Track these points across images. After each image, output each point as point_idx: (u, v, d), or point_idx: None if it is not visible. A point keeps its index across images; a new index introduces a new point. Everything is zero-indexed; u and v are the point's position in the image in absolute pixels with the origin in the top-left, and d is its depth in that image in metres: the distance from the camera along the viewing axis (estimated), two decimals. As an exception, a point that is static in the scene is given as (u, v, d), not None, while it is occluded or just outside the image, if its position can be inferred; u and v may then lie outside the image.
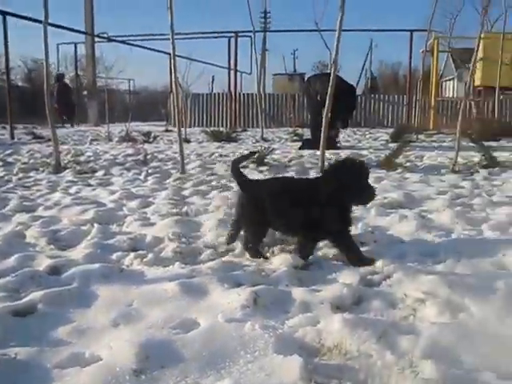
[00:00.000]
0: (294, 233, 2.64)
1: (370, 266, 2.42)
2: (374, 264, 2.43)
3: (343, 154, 7.14)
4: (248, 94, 17.66)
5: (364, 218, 3.40)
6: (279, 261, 2.52)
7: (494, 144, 8.86)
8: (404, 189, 4.53)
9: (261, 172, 5.56)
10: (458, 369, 1.58)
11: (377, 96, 17.95)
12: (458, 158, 5.75)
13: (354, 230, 2.90)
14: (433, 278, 2.19)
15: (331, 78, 5.45)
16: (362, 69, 42.42)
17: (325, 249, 2.70)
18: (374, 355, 1.66)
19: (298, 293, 2.14)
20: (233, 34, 15.47)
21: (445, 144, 9.19)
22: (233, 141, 9.98)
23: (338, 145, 8.56)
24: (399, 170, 5.69)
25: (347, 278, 2.32)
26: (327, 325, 1.83)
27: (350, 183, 2.43)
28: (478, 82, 13.46)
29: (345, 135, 11.51)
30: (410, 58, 13.54)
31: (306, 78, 9.04)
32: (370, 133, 12.59)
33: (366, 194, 2.53)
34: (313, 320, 1.90)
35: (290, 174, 5.37)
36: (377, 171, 5.60)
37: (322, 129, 5.46)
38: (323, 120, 5.43)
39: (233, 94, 16.71)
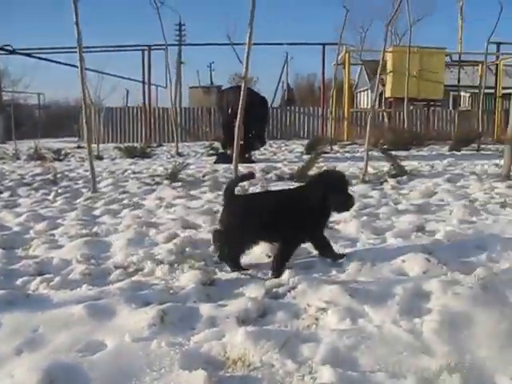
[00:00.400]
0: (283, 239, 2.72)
1: (342, 259, 2.73)
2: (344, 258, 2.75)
3: (258, 167, 7.25)
4: (164, 108, 17.52)
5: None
6: (188, 278, 2.55)
7: (404, 153, 9.35)
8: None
9: (174, 188, 5.53)
10: (354, 371, 1.69)
11: (292, 108, 18.42)
12: (367, 168, 6.01)
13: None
14: (335, 287, 2.29)
15: (242, 91, 5.53)
16: (279, 81, 43.19)
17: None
18: (275, 364, 1.74)
19: (206, 309, 2.18)
20: (146, 47, 15.28)
21: (357, 154, 9.51)
22: (147, 157, 9.87)
23: (253, 158, 8.69)
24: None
25: (253, 291, 2.38)
26: (232, 338, 1.90)
27: (334, 192, 2.65)
28: (388, 94, 14.10)
29: (261, 148, 11.71)
30: (323, 70, 14.05)
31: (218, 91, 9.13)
32: (286, 145, 12.85)
33: (347, 202, 2.75)
34: (218, 334, 1.95)
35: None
36: (288, 184, 5.74)
37: (235, 142, 5.54)
38: (235, 133, 5.51)
39: (148, 108, 16.47)
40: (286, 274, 2.53)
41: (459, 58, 14.73)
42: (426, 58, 13.28)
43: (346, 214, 3.90)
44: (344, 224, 3.67)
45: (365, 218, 3.85)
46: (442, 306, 2.10)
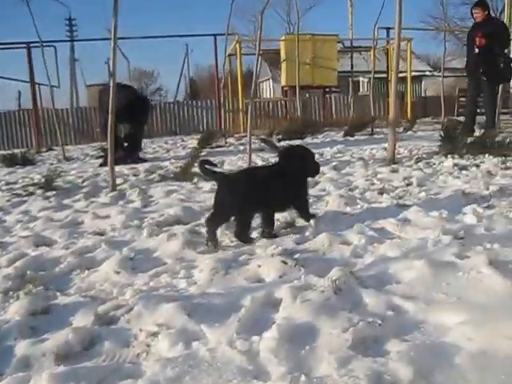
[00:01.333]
0: (272, 206, 3.13)
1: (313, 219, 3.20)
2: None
3: (142, 167, 6.91)
4: (58, 110, 16.61)
5: (134, 241, 3.22)
6: (17, 307, 2.23)
7: (297, 142, 9.28)
8: (192, 201, 4.43)
9: (47, 198, 5.09)
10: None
11: (190, 102, 18.12)
12: (250, 161, 5.83)
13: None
14: (173, 305, 2.05)
15: (111, 89, 5.21)
16: (181, 74, 42.65)
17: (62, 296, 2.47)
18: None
19: (22, 346, 1.88)
20: (25, 45, 14.22)
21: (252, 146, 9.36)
22: (30, 163, 9.17)
23: (142, 157, 8.31)
24: (195, 180, 5.59)
25: (82, 319, 2.10)
26: (36, 383, 1.62)
27: (305, 162, 3.21)
28: (283, 83, 14.07)
29: (156, 146, 11.32)
30: (216, 61, 13.82)
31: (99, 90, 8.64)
32: (183, 141, 12.49)
33: (316, 168, 3.36)
34: (24, 380, 1.66)
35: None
36: (170, 184, 5.47)
37: (108, 142, 5.22)
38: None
39: (37, 109, 15.45)
40: (128, 293, 2.27)
41: (351, 44, 14.98)
42: (319, 45, 13.37)
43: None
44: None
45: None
46: (285, 318, 1.91)
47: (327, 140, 9.40)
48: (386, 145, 7.47)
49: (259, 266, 2.48)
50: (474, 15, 8.80)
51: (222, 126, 13.72)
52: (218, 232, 3.04)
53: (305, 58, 13.15)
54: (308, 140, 9.38)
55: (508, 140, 5.84)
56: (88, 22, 79.54)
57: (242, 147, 9.34)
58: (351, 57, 14.61)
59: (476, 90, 8.88)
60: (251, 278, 2.40)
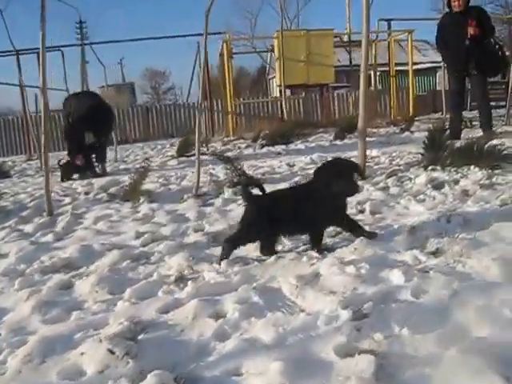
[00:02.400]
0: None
1: (374, 238, 2.85)
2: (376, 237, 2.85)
3: (98, 184, 6.31)
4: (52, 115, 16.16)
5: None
6: None
7: (281, 147, 8.60)
8: (110, 232, 3.86)
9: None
10: None
11: (186, 103, 17.52)
12: (199, 177, 5.18)
13: None
14: None
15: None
16: (192, 73, 42.08)
17: None
18: None
19: None
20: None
21: (233, 153, 8.68)
22: (4, 176, 8.68)
23: (102, 169, 7.67)
24: (140, 201, 4.98)
25: None
26: None
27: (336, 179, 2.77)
28: (278, 82, 13.36)
29: (141, 153, 10.76)
30: (206, 60, 13.21)
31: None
32: (173, 145, 11.86)
33: (349, 188, 2.86)
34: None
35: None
36: (110, 206, 4.88)
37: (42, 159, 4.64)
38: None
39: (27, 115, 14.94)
40: None
41: (349, 38, 14.17)
42: (314, 41, 12.59)
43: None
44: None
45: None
46: None
47: (313, 145, 8.69)
48: (370, 151, 6.83)
49: (82, 353, 1.84)
50: (454, 3, 7.95)
51: (208, 129, 13.03)
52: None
53: (299, 55, 12.45)
54: (292, 146, 8.68)
55: (499, 147, 5.09)
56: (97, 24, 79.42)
57: (229, 154, 8.65)
58: (350, 52, 13.79)
59: (461, 85, 8.02)
60: (67, 373, 1.77)
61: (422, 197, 3.97)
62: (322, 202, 2.77)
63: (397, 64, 14.05)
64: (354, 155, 6.60)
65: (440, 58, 9.92)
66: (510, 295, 1.93)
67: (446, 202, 3.72)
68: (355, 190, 2.91)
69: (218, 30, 13.58)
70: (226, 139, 11.29)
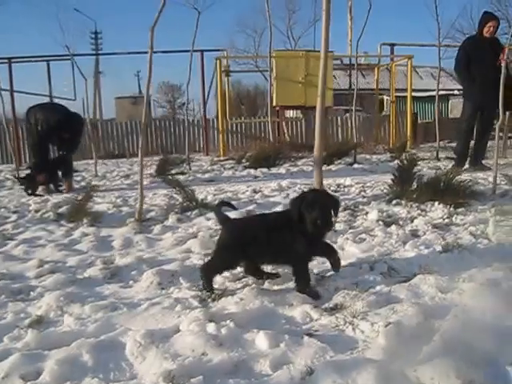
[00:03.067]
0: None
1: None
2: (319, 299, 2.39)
3: (54, 200, 6.03)
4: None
5: None
6: None
7: (262, 170, 8.25)
8: (27, 257, 3.58)
9: None
10: None
11: (183, 119, 17.28)
12: (143, 201, 4.84)
13: None
14: None
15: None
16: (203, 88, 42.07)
17: None
18: None
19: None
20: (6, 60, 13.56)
21: (205, 176, 8.32)
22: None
23: (73, 185, 7.40)
24: (84, 222, 4.69)
25: None
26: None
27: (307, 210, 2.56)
28: (274, 102, 13.05)
29: (125, 169, 10.47)
30: (203, 77, 13.06)
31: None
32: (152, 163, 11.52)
33: (317, 221, 2.53)
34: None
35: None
36: (47, 228, 4.59)
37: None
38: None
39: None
40: None
41: (350, 60, 13.82)
42: (313, 62, 12.25)
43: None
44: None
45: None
46: None
47: (295, 170, 8.34)
48: (344, 179, 6.50)
49: None
50: (489, 29, 7.57)
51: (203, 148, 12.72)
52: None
53: (297, 76, 12.13)
54: (274, 169, 8.33)
55: (466, 183, 4.73)
56: (114, 34, 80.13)
57: (207, 175, 8.34)
58: (350, 74, 13.44)
59: (475, 116, 7.60)
60: None
61: (363, 236, 3.62)
62: (294, 233, 2.58)
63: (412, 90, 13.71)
64: (328, 183, 6.31)
65: (454, 85, 9.39)
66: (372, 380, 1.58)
67: (385, 244, 3.36)
68: (328, 226, 2.66)
69: (222, 48, 13.46)
70: (215, 159, 10.97)
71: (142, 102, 19.00)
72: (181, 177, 8.12)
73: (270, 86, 12.24)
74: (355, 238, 3.56)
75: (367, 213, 4.37)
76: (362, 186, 6.00)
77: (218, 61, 11.98)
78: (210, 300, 2.44)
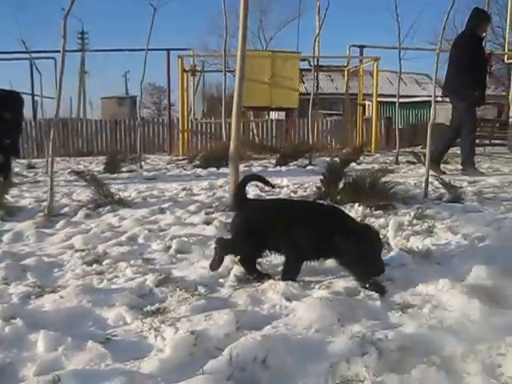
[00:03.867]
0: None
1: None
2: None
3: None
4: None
5: None
6: None
7: (210, 170, 8.10)
8: None
9: None
10: None
11: (152, 119, 17.12)
12: (53, 196, 4.62)
13: None
14: None
15: None
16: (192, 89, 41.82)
17: None
18: None
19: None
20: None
21: (150, 174, 8.11)
22: None
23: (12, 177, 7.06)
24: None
25: None
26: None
27: None
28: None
29: (81, 166, 10.25)
30: (168, 77, 12.87)
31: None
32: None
33: None
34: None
35: None
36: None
37: None
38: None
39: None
40: None
41: (317, 62, 13.64)
42: (279, 63, 12.11)
43: None
44: None
45: None
46: None
47: (245, 169, 8.14)
48: (281, 180, 6.33)
49: None
50: (485, 28, 7.56)
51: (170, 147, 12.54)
52: None
53: (263, 76, 11.97)
54: (223, 169, 8.12)
55: (391, 185, 4.55)
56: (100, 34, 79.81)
57: (152, 173, 8.15)
58: (316, 76, 13.28)
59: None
60: None
61: None
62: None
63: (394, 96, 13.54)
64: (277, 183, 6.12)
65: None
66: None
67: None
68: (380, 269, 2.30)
69: (193, 47, 13.30)
70: (174, 158, 10.80)
71: (127, 102, 19.22)
72: (126, 174, 7.97)
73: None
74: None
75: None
76: (298, 187, 5.82)
77: (180, 59, 11.81)
78: (33, 297, 2.22)
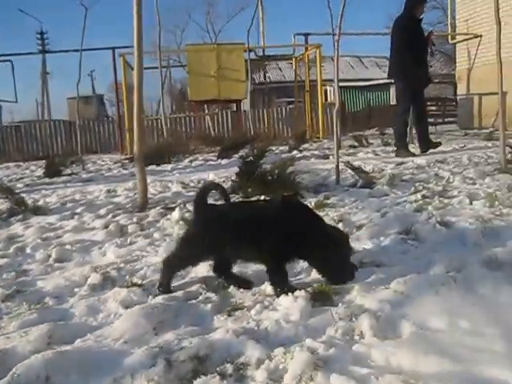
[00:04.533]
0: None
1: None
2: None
3: None
4: None
5: None
6: None
7: (151, 168, 8.01)
8: None
9: None
10: None
11: (109, 118, 16.99)
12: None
13: None
14: None
15: None
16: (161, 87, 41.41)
17: None
18: None
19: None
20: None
21: (89, 176, 8.02)
22: None
23: None
24: None
25: None
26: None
27: None
28: (189, 97, 12.84)
29: (27, 172, 10.08)
30: (116, 76, 12.76)
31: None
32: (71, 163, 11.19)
33: None
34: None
35: None
36: None
37: None
38: None
39: None
40: None
41: (263, 52, 13.62)
42: (225, 55, 12.07)
43: None
44: None
45: None
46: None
47: (183, 165, 8.14)
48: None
49: None
50: (423, 10, 7.68)
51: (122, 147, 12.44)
52: None
53: (210, 69, 11.93)
54: (165, 166, 8.07)
55: (296, 175, 4.55)
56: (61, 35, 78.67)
57: (90, 175, 8.02)
58: (264, 68, 13.23)
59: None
60: None
61: (133, 238, 3.38)
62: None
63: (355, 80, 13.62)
64: (193, 178, 6.09)
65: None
66: None
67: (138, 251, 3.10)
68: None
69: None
70: (121, 157, 10.72)
71: (93, 101, 19.04)
72: (64, 178, 7.85)
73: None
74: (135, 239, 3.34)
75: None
76: (223, 181, 5.78)
77: (121, 57, 11.71)
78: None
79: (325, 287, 2.11)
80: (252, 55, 13.48)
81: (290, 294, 2.06)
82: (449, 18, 14.36)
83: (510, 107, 12.28)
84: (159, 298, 2.20)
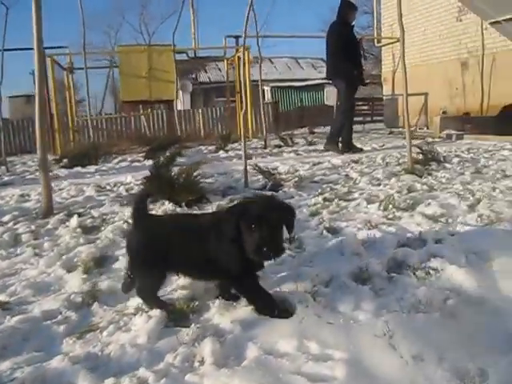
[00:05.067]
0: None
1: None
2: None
3: None
4: None
5: None
6: None
7: (76, 170, 8.04)
8: None
9: None
10: None
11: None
12: None
13: None
14: None
15: None
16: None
17: None
18: None
19: None
20: None
21: (10, 178, 8.01)
22: None
23: None
24: None
25: None
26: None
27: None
28: (121, 98, 12.92)
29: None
30: (46, 77, 12.63)
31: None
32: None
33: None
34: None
35: None
36: None
37: None
38: None
39: None
40: None
41: (194, 54, 13.84)
42: (155, 56, 12.23)
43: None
44: None
45: None
46: None
47: (107, 167, 8.22)
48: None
49: None
50: (354, 16, 8.30)
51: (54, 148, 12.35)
52: None
53: (141, 70, 12.06)
54: (90, 167, 8.12)
55: (198, 179, 4.68)
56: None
57: (11, 178, 7.94)
58: (200, 68, 13.39)
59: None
60: None
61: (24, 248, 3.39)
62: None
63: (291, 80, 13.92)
64: (110, 181, 6.17)
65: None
66: None
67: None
68: (278, 253, 1.99)
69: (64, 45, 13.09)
70: (53, 158, 10.62)
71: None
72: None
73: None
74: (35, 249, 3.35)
75: (64, 220, 4.11)
76: (139, 184, 5.90)
77: (50, 59, 11.66)
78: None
79: (183, 305, 2.12)
80: (184, 56, 13.60)
81: (143, 313, 2.08)
82: (375, 22, 15.16)
83: (431, 108, 12.99)
84: (15, 319, 2.14)
